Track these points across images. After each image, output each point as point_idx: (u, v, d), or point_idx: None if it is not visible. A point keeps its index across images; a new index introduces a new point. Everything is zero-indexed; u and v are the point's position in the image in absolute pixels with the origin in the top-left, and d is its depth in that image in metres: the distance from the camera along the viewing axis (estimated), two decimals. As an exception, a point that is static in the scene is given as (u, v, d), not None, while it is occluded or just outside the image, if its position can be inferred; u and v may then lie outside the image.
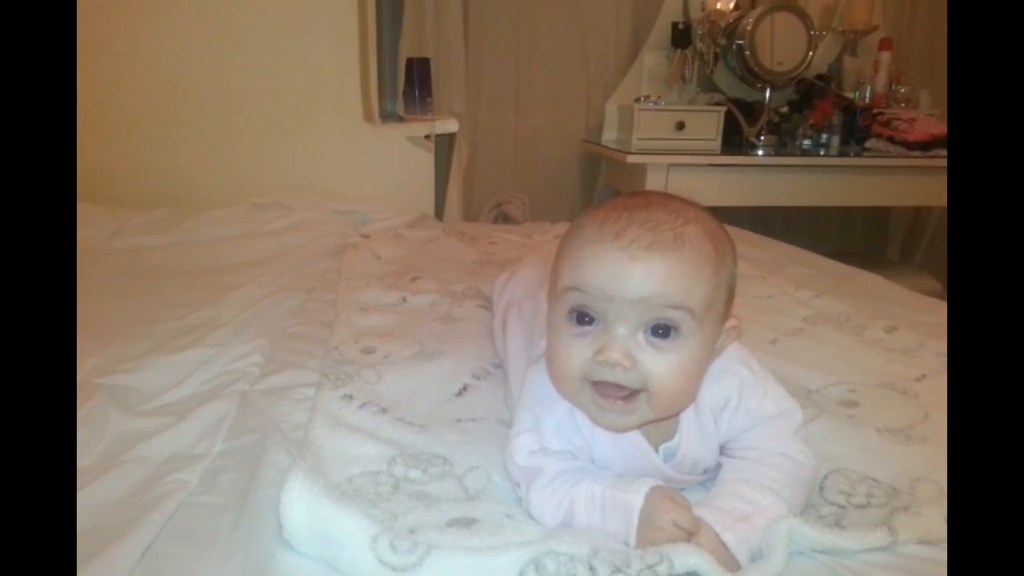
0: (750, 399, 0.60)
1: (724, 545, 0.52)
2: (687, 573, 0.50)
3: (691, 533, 0.52)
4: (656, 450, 0.60)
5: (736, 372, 0.60)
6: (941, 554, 0.54)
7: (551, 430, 0.60)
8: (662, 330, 0.53)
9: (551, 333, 0.58)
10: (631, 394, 0.54)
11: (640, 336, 0.53)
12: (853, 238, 2.66)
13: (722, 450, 0.62)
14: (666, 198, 0.57)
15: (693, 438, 0.60)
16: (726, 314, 0.57)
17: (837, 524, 0.57)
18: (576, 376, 0.55)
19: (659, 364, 0.53)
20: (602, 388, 0.54)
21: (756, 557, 0.53)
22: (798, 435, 0.61)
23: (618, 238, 0.53)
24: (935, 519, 0.56)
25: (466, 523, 0.56)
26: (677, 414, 0.59)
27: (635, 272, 0.52)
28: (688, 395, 0.57)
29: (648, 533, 0.53)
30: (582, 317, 0.55)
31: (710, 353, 0.57)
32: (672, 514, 0.53)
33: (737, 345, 0.62)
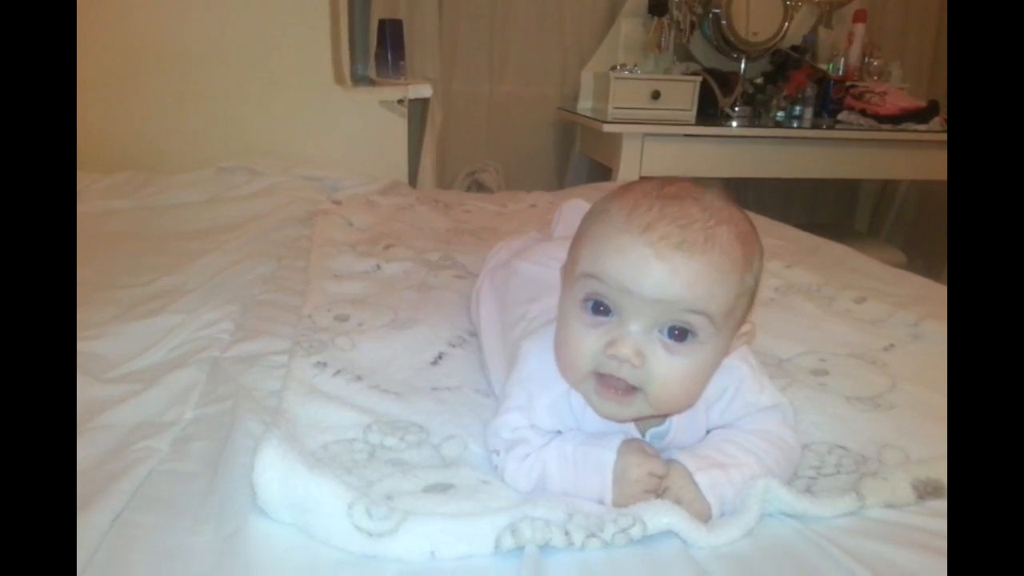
0: (747, 393, 0.60)
1: (695, 484, 0.53)
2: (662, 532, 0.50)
3: (663, 478, 0.53)
4: (644, 434, 0.59)
5: (735, 368, 0.59)
6: (907, 517, 0.56)
7: (544, 408, 0.59)
8: (678, 332, 0.51)
9: (563, 317, 0.56)
10: (630, 389, 0.53)
11: (655, 335, 0.52)
12: (823, 210, 2.70)
13: (709, 431, 0.61)
14: (701, 192, 0.54)
15: (683, 426, 0.59)
16: (743, 319, 0.56)
17: (808, 490, 0.59)
18: (585, 366, 0.53)
19: (667, 367, 0.52)
20: (605, 379, 0.53)
21: (730, 514, 0.54)
22: (788, 425, 0.61)
23: (647, 232, 0.50)
24: (901, 484, 0.58)
25: (442, 489, 0.56)
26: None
27: (659, 271, 0.49)
28: (690, 400, 0.56)
29: (624, 488, 0.54)
30: (597, 307, 0.53)
31: (721, 358, 0.56)
32: (646, 466, 0.54)
33: None
